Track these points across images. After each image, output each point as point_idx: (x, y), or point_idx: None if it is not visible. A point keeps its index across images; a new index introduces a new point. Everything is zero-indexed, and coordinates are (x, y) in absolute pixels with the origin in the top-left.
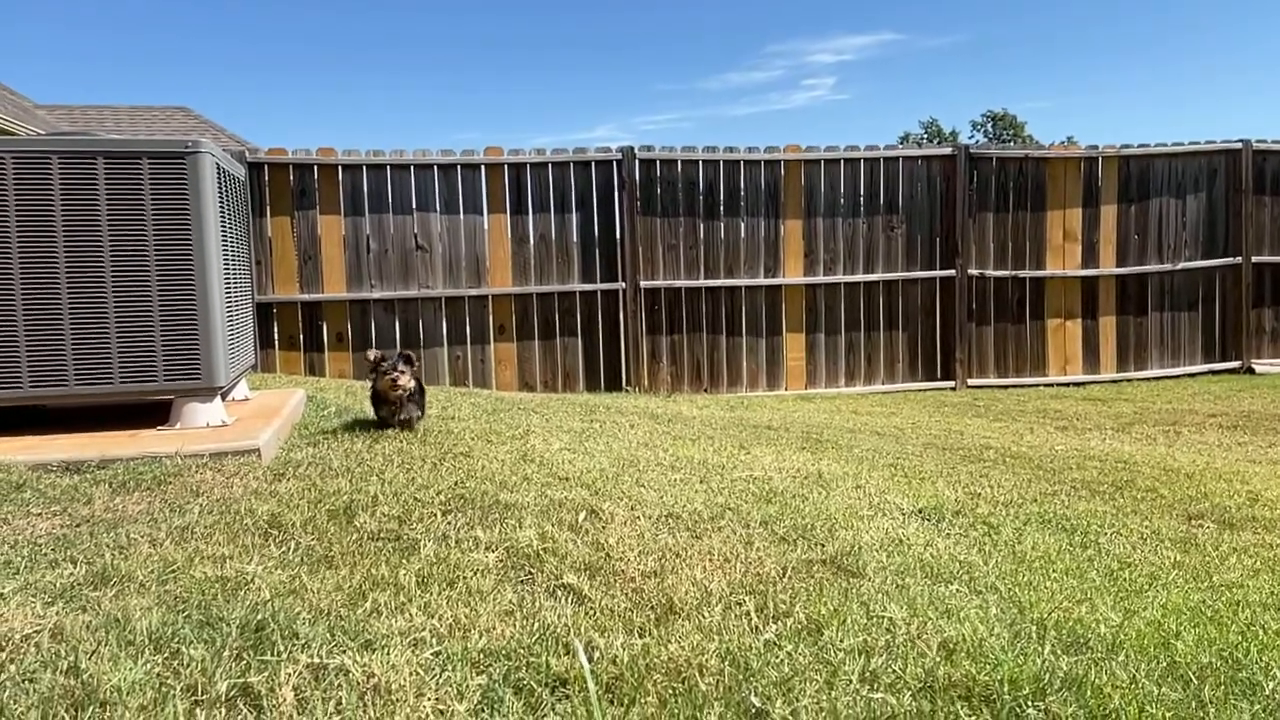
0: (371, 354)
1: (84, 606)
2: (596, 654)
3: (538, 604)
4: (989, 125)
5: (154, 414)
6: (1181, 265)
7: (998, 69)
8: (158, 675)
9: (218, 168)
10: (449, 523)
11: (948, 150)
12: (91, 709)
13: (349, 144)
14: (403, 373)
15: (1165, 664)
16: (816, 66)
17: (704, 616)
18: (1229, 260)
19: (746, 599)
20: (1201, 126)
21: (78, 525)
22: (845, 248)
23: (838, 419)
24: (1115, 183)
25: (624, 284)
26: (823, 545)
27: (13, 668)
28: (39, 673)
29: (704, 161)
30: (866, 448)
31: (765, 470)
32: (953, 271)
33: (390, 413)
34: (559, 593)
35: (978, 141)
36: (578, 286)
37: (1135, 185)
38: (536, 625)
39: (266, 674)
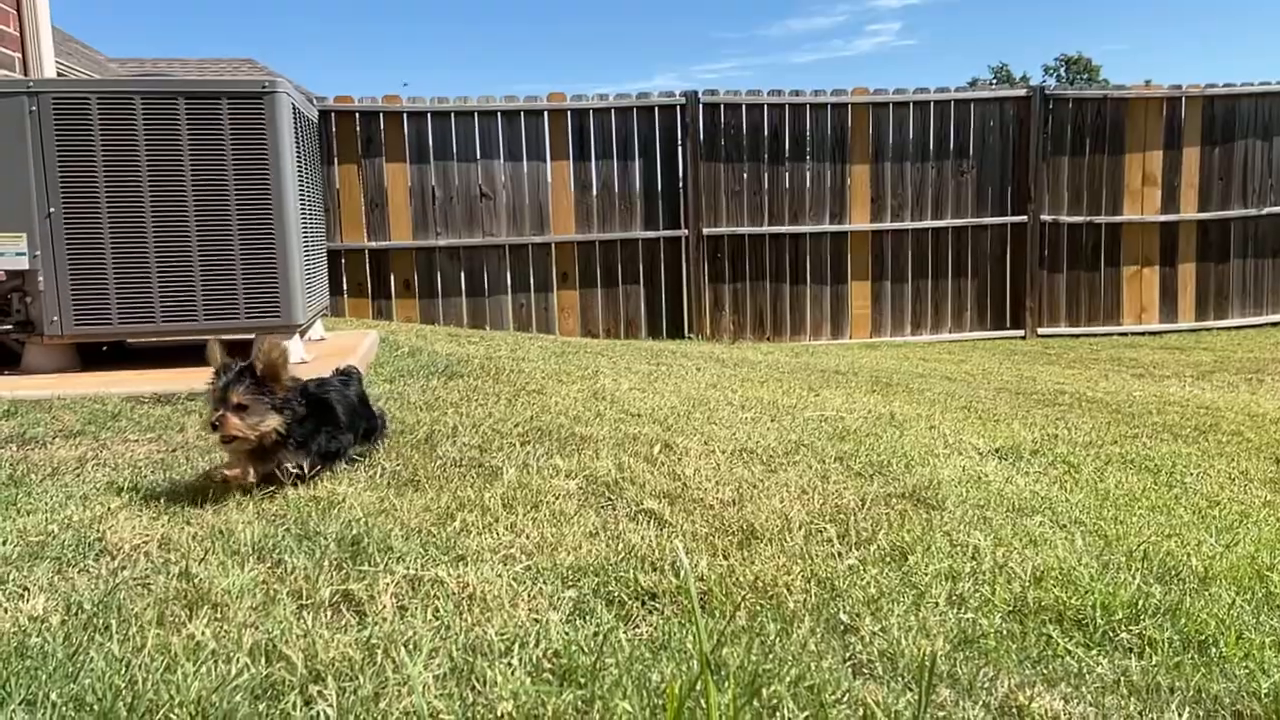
0: (215, 354)
1: (188, 521)
2: (683, 572)
3: (621, 527)
4: (1062, 69)
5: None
6: (1267, 210)
7: (1072, 10)
8: (264, 581)
9: (293, 108)
10: (528, 452)
11: (1022, 92)
12: (205, 609)
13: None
14: (244, 407)
15: (1261, 594)
16: (881, 11)
17: (786, 542)
18: None
19: (828, 526)
20: None
21: (173, 450)
22: (913, 193)
23: (906, 365)
24: (1199, 124)
25: (687, 231)
26: (900, 480)
27: (126, 573)
28: (152, 577)
29: (769, 105)
30: (938, 391)
31: (836, 410)
32: (1024, 217)
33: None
34: (640, 517)
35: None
36: (640, 234)
37: (1219, 126)
38: (621, 545)
39: (366, 582)
